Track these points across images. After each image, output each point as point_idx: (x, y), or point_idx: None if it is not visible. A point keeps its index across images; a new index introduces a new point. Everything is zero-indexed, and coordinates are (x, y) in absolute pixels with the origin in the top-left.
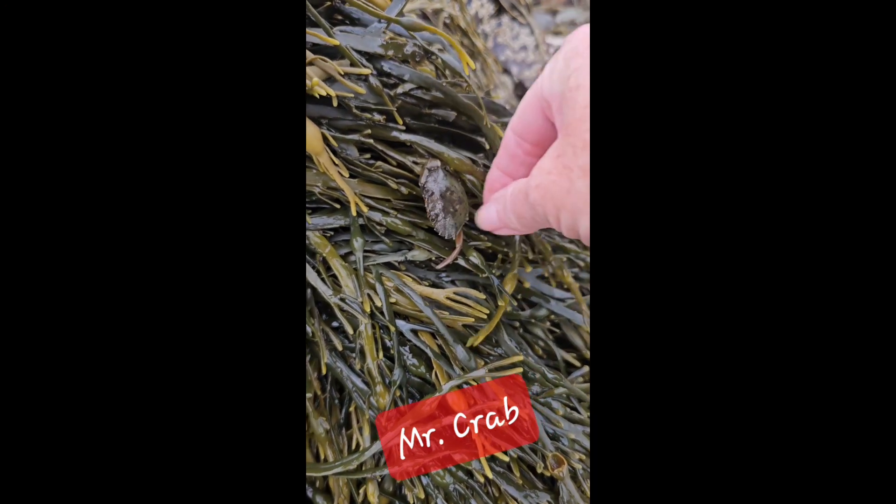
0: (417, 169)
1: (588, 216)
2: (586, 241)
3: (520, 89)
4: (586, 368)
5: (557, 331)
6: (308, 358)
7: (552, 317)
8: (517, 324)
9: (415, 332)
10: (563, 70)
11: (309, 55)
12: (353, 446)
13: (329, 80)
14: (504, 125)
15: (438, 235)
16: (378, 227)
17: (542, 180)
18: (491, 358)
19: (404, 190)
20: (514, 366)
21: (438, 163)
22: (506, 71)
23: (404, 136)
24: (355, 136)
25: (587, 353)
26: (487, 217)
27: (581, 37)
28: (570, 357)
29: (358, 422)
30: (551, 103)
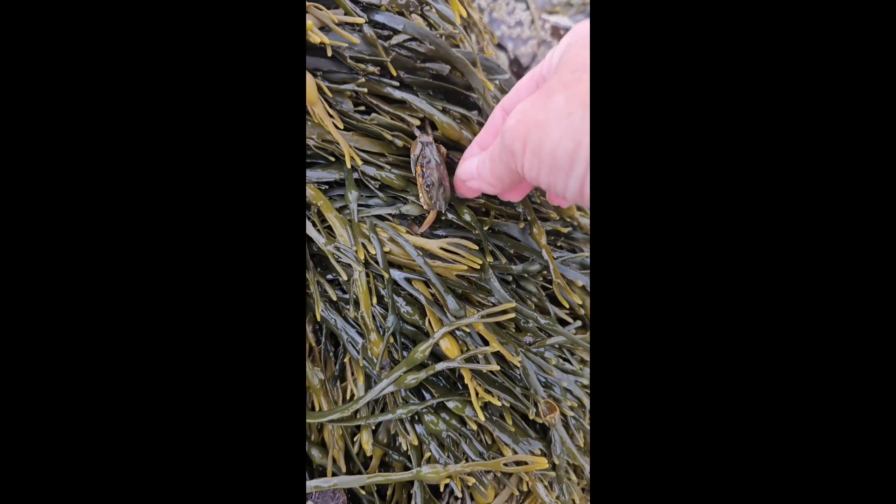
0: (413, 122)
1: (560, 131)
2: (553, 164)
3: (515, 65)
4: (579, 322)
5: (550, 286)
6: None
7: (545, 272)
8: (510, 278)
9: (408, 280)
10: (559, 47)
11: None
12: (348, 397)
13: (323, 29)
14: (498, 84)
15: (427, 204)
16: (372, 182)
17: (520, 110)
18: (484, 307)
19: (399, 143)
20: (505, 312)
21: (430, 137)
22: (501, 46)
23: (398, 94)
24: (350, 87)
25: (581, 311)
26: (467, 167)
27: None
28: (562, 314)
29: (353, 374)
30: (546, 76)
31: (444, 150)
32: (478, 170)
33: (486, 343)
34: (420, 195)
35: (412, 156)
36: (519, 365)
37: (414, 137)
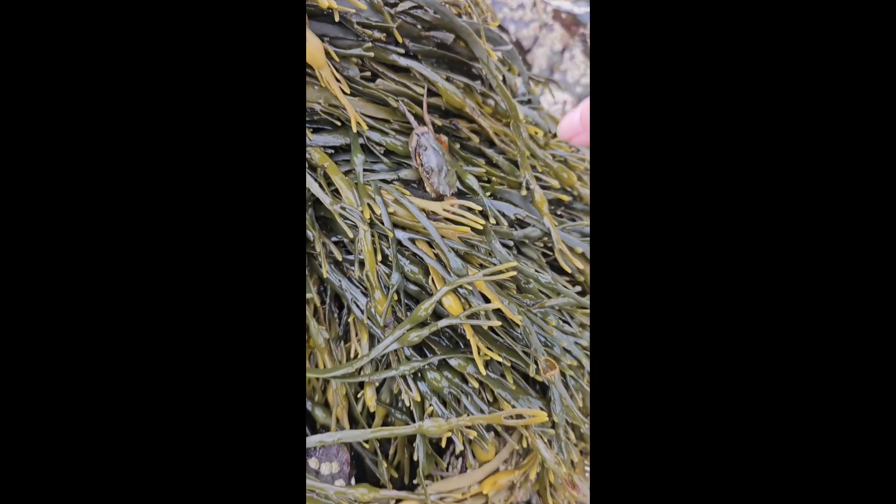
0: (418, 90)
1: None
2: None
3: (517, 48)
4: (579, 288)
5: (551, 254)
6: (308, 271)
7: (545, 238)
8: (511, 243)
9: (412, 240)
10: None
11: None
12: (352, 356)
13: None
14: (500, 55)
15: (431, 191)
16: (378, 147)
17: None
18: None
19: (404, 108)
20: (506, 271)
21: (426, 128)
22: (503, 28)
23: (403, 62)
24: (357, 51)
25: (581, 278)
26: (568, 122)
27: None
28: (563, 280)
29: (356, 334)
30: None
31: (444, 138)
32: (581, 121)
33: (489, 302)
34: (425, 184)
35: (410, 148)
36: (520, 323)
37: (419, 104)
